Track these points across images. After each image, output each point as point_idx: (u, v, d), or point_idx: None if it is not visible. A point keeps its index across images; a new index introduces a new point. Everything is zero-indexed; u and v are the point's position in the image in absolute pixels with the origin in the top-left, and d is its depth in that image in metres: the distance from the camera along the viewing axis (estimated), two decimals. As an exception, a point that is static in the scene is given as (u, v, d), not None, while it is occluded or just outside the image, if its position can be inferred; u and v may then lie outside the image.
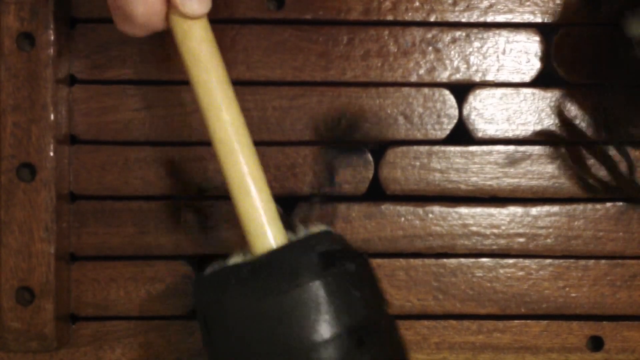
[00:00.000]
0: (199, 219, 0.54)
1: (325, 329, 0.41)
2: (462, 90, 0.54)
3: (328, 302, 0.41)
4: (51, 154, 0.51)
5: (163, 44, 0.53)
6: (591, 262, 0.55)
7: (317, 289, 0.41)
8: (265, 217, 0.43)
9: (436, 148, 0.54)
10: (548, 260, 0.55)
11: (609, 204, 0.54)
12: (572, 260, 0.55)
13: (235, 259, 0.44)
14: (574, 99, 0.54)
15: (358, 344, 0.42)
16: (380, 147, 0.54)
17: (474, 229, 0.54)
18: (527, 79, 0.54)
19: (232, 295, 0.43)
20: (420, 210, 0.54)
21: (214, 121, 0.43)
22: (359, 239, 0.54)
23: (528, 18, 0.54)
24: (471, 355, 0.54)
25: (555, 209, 0.54)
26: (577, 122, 0.54)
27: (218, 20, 0.53)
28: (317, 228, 0.45)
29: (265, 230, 0.43)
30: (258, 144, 0.53)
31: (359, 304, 0.43)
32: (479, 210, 0.54)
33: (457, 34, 0.54)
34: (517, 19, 0.54)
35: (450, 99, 0.54)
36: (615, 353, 0.54)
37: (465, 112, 0.54)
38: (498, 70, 0.54)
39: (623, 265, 0.55)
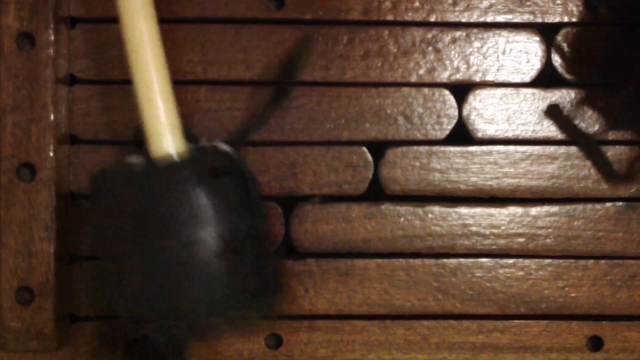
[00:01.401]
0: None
1: (197, 232, 0.46)
2: (462, 90, 0.54)
3: (203, 208, 0.46)
4: (51, 154, 0.51)
5: (163, 44, 0.53)
6: (591, 262, 0.55)
7: (196, 194, 0.46)
8: (165, 126, 0.48)
9: (436, 148, 0.54)
10: (548, 260, 0.55)
11: (608, 204, 0.54)
12: (571, 260, 0.55)
13: (133, 159, 0.48)
14: (573, 99, 0.54)
15: (230, 252, 0.46)
16: (380, 147, 0.54)
17: (474, 229, 0.54)
18: (527, 79, 0.54)
19: (119, 188, 0.47)
20: (420, 210, 0.54)
21: (129, 31, 0.47)
22: (359, 238, 0.54)
23: (528, 18, 0.54)
24: (471, 355, 0.54)
25: (554, 209, 0.54)
26: (576, 122, 0.54)
27: (218, 20, 0.53)
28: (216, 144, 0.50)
29: (164, 138, 0.48)
30: (258, 144, 0.54)
31: (234, 217, 0.47)
32: (478, 210, 0.54)
33: (457, 34, 0.54)
34: (517, 19, 0.54)
35: (450, 99, 0.54)
36: (615, 353, 0.54)
37: (465, 112, 0.54)
38: (498, 70, 0.54)
39: (623, 265, 0.55)
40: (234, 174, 0.48)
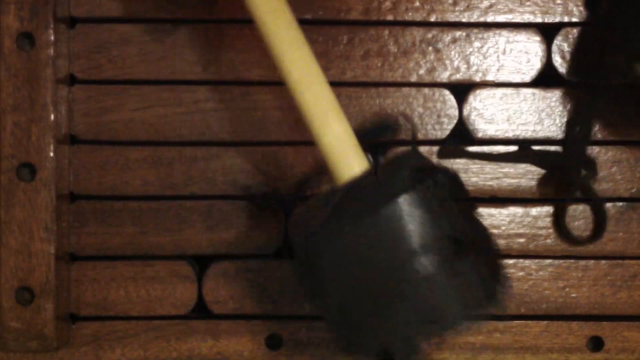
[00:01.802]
0: (199, 219, 0.54)
1: (425, 238, 0.42)
2: (462, 90, 0.54)
3: (424, 213, 0.43)
4: (51, 154, 0.51)
5: (163, 43, 0.53)
6: (591, 262, 0.55)
7: (412, 201, 0.43)
8: (350, 146, 0.45)
9: (436, 148, 0.54)
10: (548, 261, 0.55)
11: (609, 205, 0.54)
12: (572, 261, 0.55)
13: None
14: (574, 99, 0.54)
15: (458, 251, 0.43)
16: (381, 147, 0.54)
17: (474, 229, 0.54)
18: (527, 79, 0.54)
19: (329, 222, 0.44)
20: (420, 211, 0.54)
21: (288, 62, 0.45)
22: (359, 239, 0.54)
23: (528, 18, 0.54)
24: (471, 355, 0.54)
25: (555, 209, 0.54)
26: (576, 122, 0.54)
27: (218, 20, 0.53)
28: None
29: (352, 157, 0.45)
30: (258, 144, 0.54)
31: (455, 214, 0.44)
32: (479, 210, 0.54)
33: (457, 34, 0.54)
34: (517, 19, 0.54)
35: (451, 99, 0.54)
36: (615, 353, 0.54)
37: (465, 112, 0.54)
38: (498, 70, 0.54)
39: (623, 265, 0.55)
40: (441, 171, 0.45)
